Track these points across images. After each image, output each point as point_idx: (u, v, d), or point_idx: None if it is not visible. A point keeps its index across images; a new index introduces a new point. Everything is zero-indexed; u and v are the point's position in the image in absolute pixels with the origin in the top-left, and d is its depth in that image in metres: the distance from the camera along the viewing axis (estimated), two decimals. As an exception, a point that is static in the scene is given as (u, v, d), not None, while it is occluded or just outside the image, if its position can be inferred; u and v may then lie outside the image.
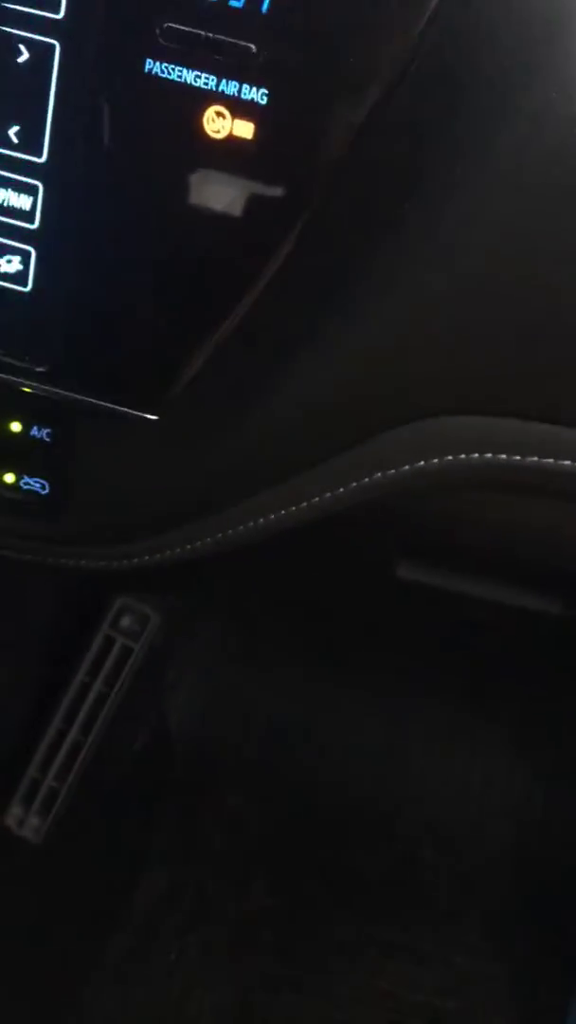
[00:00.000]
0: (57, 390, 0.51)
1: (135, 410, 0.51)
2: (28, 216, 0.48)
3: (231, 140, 0.45)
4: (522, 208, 0.45)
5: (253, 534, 0.56)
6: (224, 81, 0.44)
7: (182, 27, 0.44)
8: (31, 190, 0.48)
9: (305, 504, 0.54)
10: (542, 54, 0.43)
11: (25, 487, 0.56)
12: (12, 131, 0.47)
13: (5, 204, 0.48)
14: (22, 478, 0.56)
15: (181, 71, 0.44)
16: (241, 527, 0.56)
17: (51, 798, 0.90)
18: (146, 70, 0.45)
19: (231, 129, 0.45)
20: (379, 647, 1.01)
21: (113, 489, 0.57)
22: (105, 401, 0.51)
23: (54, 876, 0.92)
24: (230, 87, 0.44)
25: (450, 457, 0.51)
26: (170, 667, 1.01)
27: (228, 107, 0.44)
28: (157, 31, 0.44)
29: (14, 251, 0.49)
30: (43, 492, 0.56)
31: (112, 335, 0.50)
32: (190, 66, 0.44)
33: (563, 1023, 0.86)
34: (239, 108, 0.44)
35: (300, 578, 0.92)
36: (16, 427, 0.55)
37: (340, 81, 0.43)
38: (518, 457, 0.50)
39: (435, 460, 0.51)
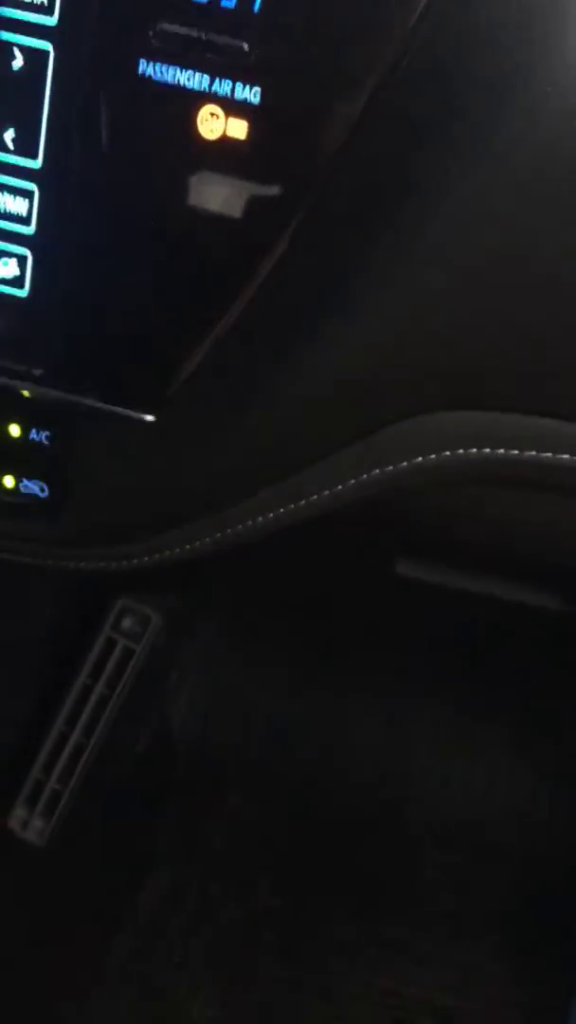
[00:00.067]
0: (55, 392, 0.52)
1: (133, 411, 0.51)
2: (24, 220, 0.49)
3: (225, 140, 0.45)
4: (519, 203, 0.45)
5: (252, 533, 0.56)
6: (217, 81, 0.44)
7: (175, 28, 0.44)
8: (27, 194, 0.48)
9: (304, 502, 0.54)
10: (537, 50, 0.43)
11: (25, 490, 0.56)
12: (7, 135, 0.47)
13: (1, 209, 0.49)
14: (21, 481, 0.56)
15: (175, 72, 0.45)
16: (240, 526, 0.56)
17: (54, 800, 0.90)
18: (140, 72, 0.45)
19: (225, 129, 0.45)
20: (380, 646, 1.01)
21: (112, 490, 0.57)
22: (103, 403, 0.51)
23: (58, 878, 0.92)
24: (223, 87, 0.44)
25: (448, 452, 0.51)
26: (172, 668, 1.01)
27: (222, 107, 0.45)
28: (150, 33, 0.44)
29: (11, 255, 0.49)
30: (43, 495, 0.56)
31: (108, 337, 0.51)
32: (184, 67, 0.44)
33: (565, 1022, 0.86)
34: (233, 108, 0.44)
35: (300, 577, 0.92)
36: (15, 430, 0.55)
37: (332, 79, 0.44)
38: (516, 452, 0.50)
39: (433, 456, 0.51)
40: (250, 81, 0.44)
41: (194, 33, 0.44)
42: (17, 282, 0.50)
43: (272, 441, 0.53)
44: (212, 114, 0.45)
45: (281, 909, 0.95)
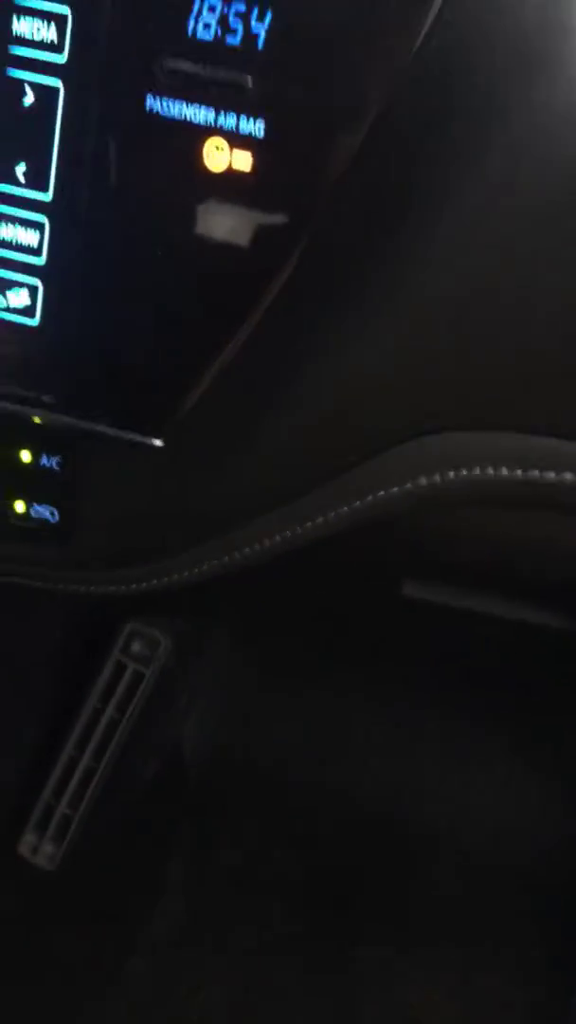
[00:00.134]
0: (65, 419, 0.52)
1: (142, 436, 0.52)
2: (35, 251, 0.50)
3: (230, 172, 0.46)
4: (519, 226, 0.46)
5: (260, 555, 0.57)
6: (223, 115, 0.45)
7: (181, 65, 0.45)
8: (38, 226, 0.49)
9: (310, 524, 0.55)
10: (535, 76, 0.43)
11: (35, 515, 0.57)
12: (19, 170, 0.48)
13: (13, 240, 0.50)
14: (32, 506, 0.57)
15: (181, 107, 0.46)
16: (248, 549, 0.57)
17: (65, 825, 0.90)
18: (147, 107, 0.46)
19: (230, 161, 0.46)
20: (387, 666, 1.01)
21: (121, 514, 0.58)
22: (112, 428, 0.52)
23: (69, 904, 0.91)
24: (228, 120, 0.45)
25: (451, 473, 0.51)
26: (182, 691, 1.01)
27: (227, 140, 0.46)
28: (157, 70, 0.45)
29: (22, 285, 0.50)
30: (53, 519, 0.57)
31: (118, 364, 0.51)
32: (189, 102, 0.46)
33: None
34: (237, 141, 0.46)
35: (308, 599, 0.93)
36: (26, 456, 0.56)
37: (334, 112, 0.45)
38: (519, 471, 0.51)
39: (436, 476, 0.52)
40: (254, 115, 0.45)
41: (199, 69, 0.45)
42: (29, 311, 0.51)
43: (278, 464, 0.54)
44: (217, 147, 0.46)
45: (297, 934, 0.95)
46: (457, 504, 0.54)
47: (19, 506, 0.57)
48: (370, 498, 0.53)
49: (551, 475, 0.51)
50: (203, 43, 0.45)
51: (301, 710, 1.04)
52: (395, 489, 0.53)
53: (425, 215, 0.46)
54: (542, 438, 0.50)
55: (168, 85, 0.45)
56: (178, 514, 0.57)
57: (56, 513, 0.57)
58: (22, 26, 0.47)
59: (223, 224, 0.47)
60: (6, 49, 0.47)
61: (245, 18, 0.44)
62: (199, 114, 0.46)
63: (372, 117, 0.44)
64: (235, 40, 0.44)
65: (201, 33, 0.45)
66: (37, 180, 0.48)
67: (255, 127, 0.45)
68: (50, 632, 0.90)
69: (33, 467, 0.56)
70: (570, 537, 0.57)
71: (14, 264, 0.50)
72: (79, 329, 0.51)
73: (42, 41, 0.47)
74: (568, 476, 0.51)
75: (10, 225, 0.49)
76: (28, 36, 0.47)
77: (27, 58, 0.47)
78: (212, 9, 0.44)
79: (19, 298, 0.50)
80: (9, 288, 0.50)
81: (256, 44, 0.44)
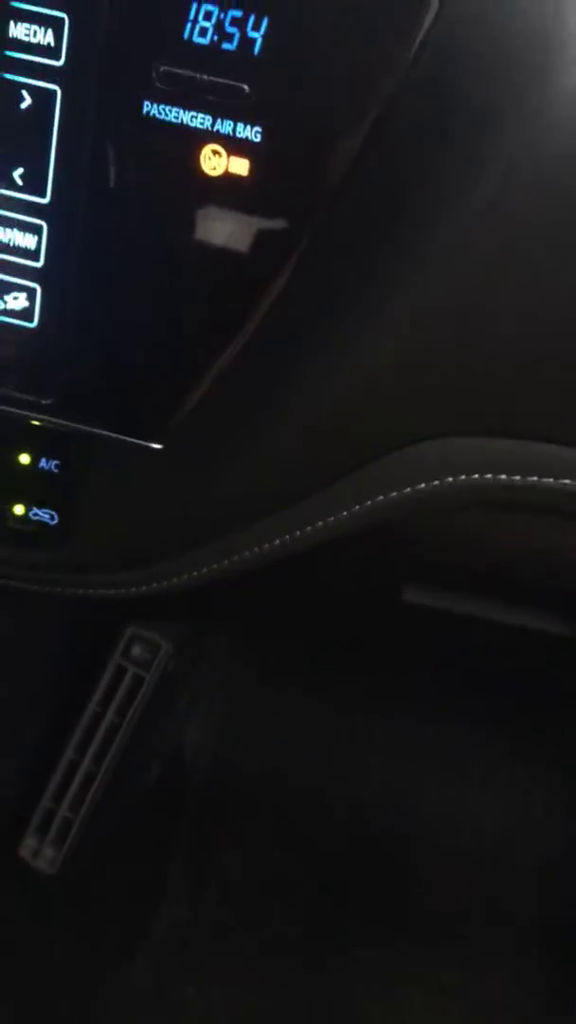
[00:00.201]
0: (64, 422, 0.53)
1: (141, 440, 0.52)
2: (33, 255, 0.50)
3: (227, 177, 0.46)
4: (517, 232, 0.46)
5: (259, 559, 0.57)
6: (219, 120, 0.45)
7: (178, 70, 0.45)
8: (35, 230, 0.49)
9: (309, 528, 0.55)
10: (532, 82, 0.44)
11: (35, 518, 0.57)
12: (16, 173, 0.48)
13: (11, 243, 0.50)
14: (31, 509, 0.57)
15: (178, 112, 0.46)
16: (247, 552, 0.57)
17: (65, 829, 0.90)
18: (144, 112, 0.46)
19: (227, 166, 0.46)
20: (389, 671, 1.01)
21: (120, 517, 0.58)
22: (111, 432, 0.52)
23: (70, 907, 0.91)
24: (225, 126, 0.45)
25: (451, 479, 0.52)
26: (182, 695, 1.01)
27: (224, 145, 0.46)
28: (154, 75, 0.45)
29: (21, 288, 0.50)
30: (52, 523, 0.57)
31: (116, 368, 0.51)
32: (186, 107, 0.46)
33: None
34: (234, 146, 0.46)
35: (308, 604, 0.92)
36: (25, 459, 0.56)
37: (331, 117, 0.45)
38: (518, 477, 0.51)
39: (436, 481, 0.52)
40: (250, 120, 0.45)
41: (196, 75, 0.45)
42: (27, 314, 0.51)
43: (276, 469, 0.54)
44: (215, 152, 0.46)
45: (296, 938, 0.95)
46: (456, 509, 0.54)
47: (18, 509, 0.57)
48: (369, 503, 0.53)
49: (550, 481, 0.51)
50: (199, 48, 0.45)
51: (301, 713, 1.04)
52: (394, 494, 0.53)
53: (423, 219, 0.46)
54: (541, 444, 0.50)
55: (165, 90, 0.45)
56: (177, 517, 0.57)
57: (55, 516, 0.57)
58: (19, 30, 0.46)
59: (221, 229, 0.47)
60: (3, 53, 0.47)
61: (241, 24, 0.44)
62: (196, 119, 0.46)
63: (369, 122, 0.44)
64: (231, 46, 0.44)
65: (197, 38, 0.45)
66: (35, 184, 0.48)
67: (252, 132, 0.45)
68: (51, 636, 0.91)
69: (33, 470, 0.56)
70: (570, 542, 0.57)
71: (12, 267, 0.50)
72: (77, 332, 0.51)
73: (39, 45, 0.47)
74: (567, 482, 0.51)
75: (8, 228, 0.49)
76: (25, 40, 0.47)
77: (24, 62, 0.47)
78: (208, 15, 0.44)
79: (17, 301, 0.50)
80: (7, 291, 0.50)
81: (252, 50, 0.44)
